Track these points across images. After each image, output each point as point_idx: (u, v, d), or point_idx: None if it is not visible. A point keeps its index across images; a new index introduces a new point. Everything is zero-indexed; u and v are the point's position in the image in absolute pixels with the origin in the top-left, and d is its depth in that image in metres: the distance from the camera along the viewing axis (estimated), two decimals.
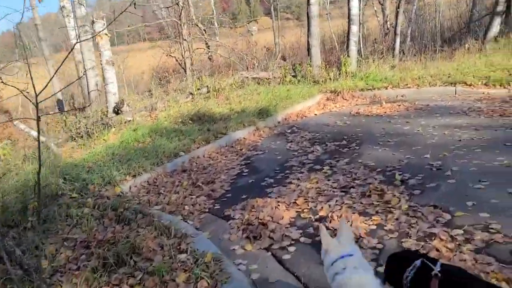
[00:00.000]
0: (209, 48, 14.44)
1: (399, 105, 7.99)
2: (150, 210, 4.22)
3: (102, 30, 7.96)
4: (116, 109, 8.45)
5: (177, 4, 12.58)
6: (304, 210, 3.91)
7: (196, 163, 5.88)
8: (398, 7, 12.63)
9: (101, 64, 8.34)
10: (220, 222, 4.02)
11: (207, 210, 4.35)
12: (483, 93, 8.02)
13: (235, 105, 9.07)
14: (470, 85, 8.48)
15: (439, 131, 5.84)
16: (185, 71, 13.83)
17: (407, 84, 9.34)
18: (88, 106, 9.74)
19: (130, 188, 5.15)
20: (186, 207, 4.40)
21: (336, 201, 3.97)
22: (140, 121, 8.34)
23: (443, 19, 15.91)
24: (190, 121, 7.95)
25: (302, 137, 6.72)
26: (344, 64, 11.06)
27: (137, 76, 20.17)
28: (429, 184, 4.02)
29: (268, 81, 11.36)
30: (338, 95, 9.71)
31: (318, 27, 11.87)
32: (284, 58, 13.67)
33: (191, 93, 9.71)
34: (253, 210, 3.96)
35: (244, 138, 7.04)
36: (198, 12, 15.77)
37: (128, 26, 12.90)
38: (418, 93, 8.84)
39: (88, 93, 14.62)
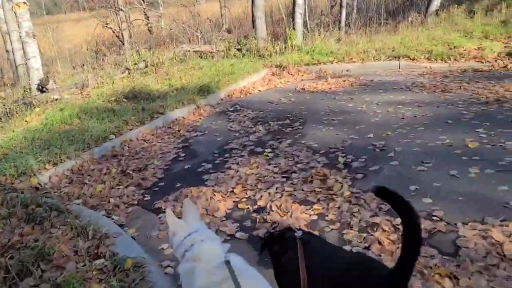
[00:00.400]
0: (148, 19, 13.49)
1: (344, 81, 7.82)
2: (69, 205, 3.71)
3: None
4: (40, 87, 7.59)
5: None
6: (242, 200, 3.60)
7: (129, 147, 5.36)
8: None
9: (20, 37, 7.38)
10: (150, 216, 3.62)
11: (135, 202, 3.91)
12: (426, 67, 8.04)
13: (175, 81, 8.49)
14: (413, 59, 8.48)
15: (382, 108, 5.71)
16: (122, 43, 12.89)
17: (352, 59, 9.20)
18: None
19: (50, 178, 4.56)
20: (112, 199, 3.93)
21: (277, 188, 3.69)
22: (69, 100, 7.57)
23: None
24: (124, 100, 7.31)
25: (245, 115, 6.36)
26: (290, 37, 10.72)
27: (74, 49, 18.69)
28: (372, 167, 3.84)
29: (211, 54, 10.79)
30: (283, 70, 9.39)
31: None
32: (229, 31, 13.08)
33: (127, 69, 8.98)
34: None
35: (183, 117, 6.56)
36: None
37: None
38: (363, 67, 8.72)
39: (16, 67, 13.40)
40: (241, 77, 8.78)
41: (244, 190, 3.76)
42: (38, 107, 7.20)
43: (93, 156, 5.07)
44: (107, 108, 6.76)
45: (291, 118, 5.86)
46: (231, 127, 5.88)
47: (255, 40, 11.01)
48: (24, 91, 7.81)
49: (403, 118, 5.12)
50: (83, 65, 11.25)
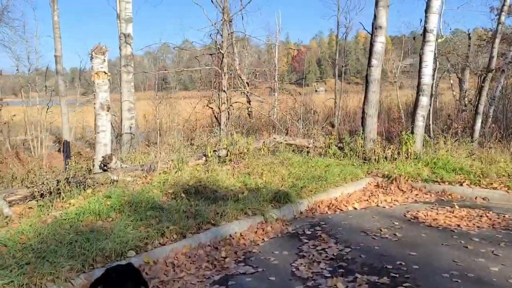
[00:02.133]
0: (249, 103, 12.76)
1: (481, 216, 5.45)
2: None
3: (100, 66, 6.49)
4: (102, 164, 6.76)
5: (220, 51, 11.19)
6: None
7: (147, 274, 3.79)
8: (483, 82, 10.23)
9: (94, 108, 6.78)
10: None
11: None
12: None
13: (254, 178, 7.02)
14: None
15: None
16: (219, 124, 12.21)
17: (491, 183, 6.75)
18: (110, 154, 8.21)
19: None
20: None
21: None
22: (128, 184, 6.55)
23: None
24: (183, 194, 5.98)
25: (324, 250, 4.41)
26: (406, 142, 8.70)
27: (176, 125, 19.10)
28: None
29: (307, 149, 9.26)
30: (392, 182, 7.31)
31: (377, 94, 9.74)
32: (333, 125, 11.56)
33: (205, 155, 7.85)
34: None
35: (240, 235, 4.87)
36: (245, 62, 14.39)
37: (166, 70, 11.63)
38: (508, 199, 6.23)
39: (120, 135, 13.57)
40: (334, 184, 6.94)
41: None
42: (92, 187, 6.27)
43: (91, 281, 3.59)
44: (157, 205, 5.44)
45: (392, 274, 3.75)
46: (298, 269, 3.97)
47: (362, 139, 9.24)
48: (82, 167, 7.06)
49: None
50: (167, 143, 10.61)
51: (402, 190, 7.06)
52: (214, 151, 7.97)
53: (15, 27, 14.95)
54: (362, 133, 9.41)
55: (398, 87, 19.32)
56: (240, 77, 12.26)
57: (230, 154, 7.99)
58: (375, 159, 8.63)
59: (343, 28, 21.87)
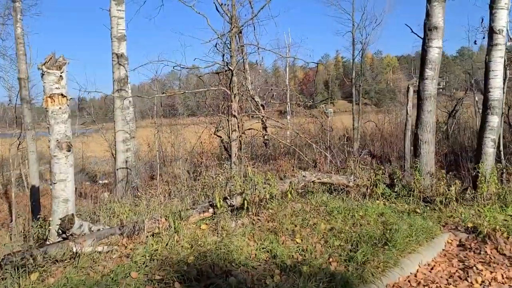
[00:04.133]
0: (266, 130, 10.56)
1: None
2: None
3: (54, 86, 4.38)
4: (61, 231, 4.56)
5: (229, 67, 9.12)
6: None
7: None
8: None
9: (49, 148, 4.62)
10: None
11: None
12: None
13: (284, 239, 4.80)
14: None
15: None
16: (229, 156, 10.04)
17: None
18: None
19: None
20: None
21: None
22: (98, 259, 4.36)
23: None
24: (178, 282, 3.75)
25: None
26: (482, 179, 6.47)
27: (183, 154, 17.00)
28: None
29: (346, 189, 7.02)
30: (485, 241, 5.01)
31: (434, 114, 7.54)
32: (372, 154, 9.30)
33: (212, 205, 5.63)
34: None
35: None
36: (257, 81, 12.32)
37: (164, 94, 9.54)
38: None
39: (116, 170, 11.51)
40: (405, 250, 4.65)
41: None
42: (41, 270, 4.07)
43: None
44: None
45: None
46: None
47: (418, 173, 6.99)
48: (40, 233, 4.87)
49: None
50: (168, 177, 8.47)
51: (505, 255, 4.74)
52: (225, 198, 5.75)
53: (9, 55, 13.23)
54: (418, 165, 7.18)
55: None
56: (253, 99, 10.12)
57: (247, 202, 5.77)
58: (440, 201, 6.36)
59: (359, 45, 19.87)
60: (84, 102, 26.63)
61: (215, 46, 9.34)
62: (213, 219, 5.59)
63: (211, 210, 5.63)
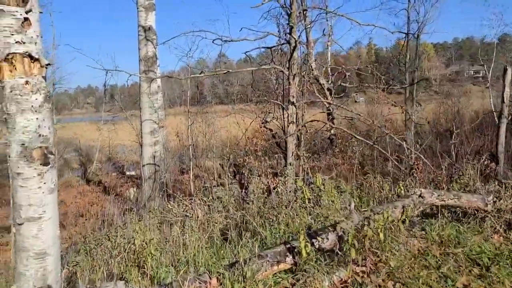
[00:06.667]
0: (333, 122, 8.12)
1: None
2: None
3: (12, 40, 2.22)
4: None
5: (293, 36, 6.75)
6: None
7: None
8: None
9: (8, 157, 2.46)
10: None
11: None
12: None
13: None
14: None
15: None
16: (284, 156, 7.77)
17: None
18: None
19: None
20: None
21: None
22: None
23: None
24: None
25: None
26: None
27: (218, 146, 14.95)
28: None
29: (482, 214, 4.61)
30: None
31: None
32: (494, 157, 6.71)
33: (289, 250, 3.37)
34: None
35: None
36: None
37: (201, 73, 7.36)
38: None
39: (142, 167, 9.76)
40: None
41: None
42: None
43: None
44: None
45: None
46: None
47: None
48: None
49: None
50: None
51: None
52: (309, 235, 3.46)
53: None
54: None
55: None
56: (318, 81, 7.71)
57: (354, 246, 3.45)
58: None
59: (415, 24, 17.04)
60: (114, 89, 24.84)
61: (268, 12, 7.00)
62: (293, 272, 3.35)
63: (289, 258, 3.37)
